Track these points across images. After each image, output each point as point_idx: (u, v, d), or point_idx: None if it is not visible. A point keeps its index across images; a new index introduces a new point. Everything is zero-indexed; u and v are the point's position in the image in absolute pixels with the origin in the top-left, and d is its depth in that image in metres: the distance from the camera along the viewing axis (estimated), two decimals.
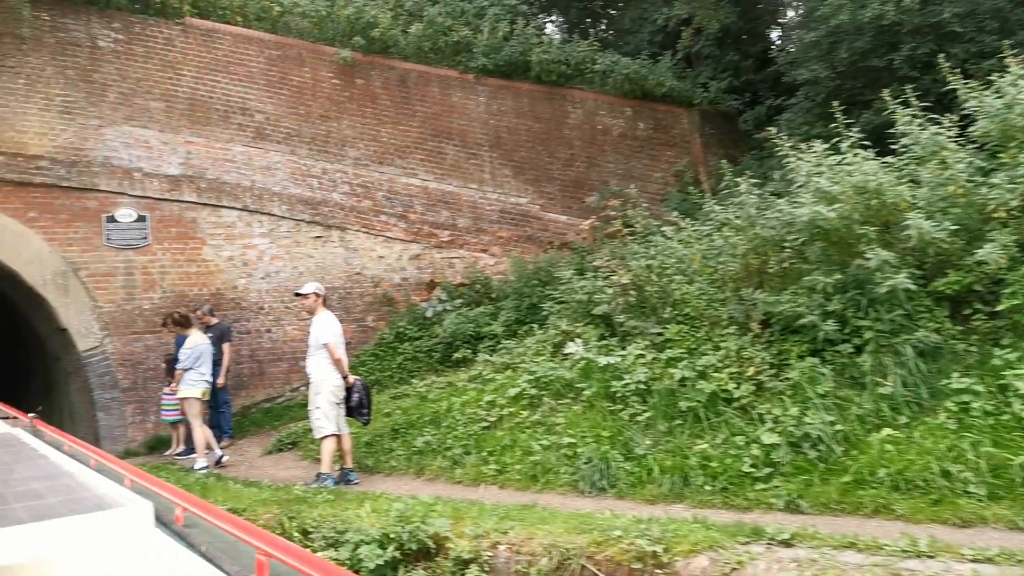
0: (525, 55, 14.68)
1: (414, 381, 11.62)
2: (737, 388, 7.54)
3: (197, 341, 10.13)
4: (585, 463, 7.64)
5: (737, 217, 8.36)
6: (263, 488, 8.59)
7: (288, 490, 8.28)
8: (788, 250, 8.00)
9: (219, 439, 10.82)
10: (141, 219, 12.64)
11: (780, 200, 7.81)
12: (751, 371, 7.62)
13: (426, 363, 12.58)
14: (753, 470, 6.84)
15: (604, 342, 9.17)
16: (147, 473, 2.42)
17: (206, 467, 9.96)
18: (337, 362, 8.66)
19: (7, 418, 4.50)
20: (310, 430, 11.04)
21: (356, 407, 8.81)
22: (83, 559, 1.48)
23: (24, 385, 16.84)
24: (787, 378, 7.39)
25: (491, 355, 10.74)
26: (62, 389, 14.22)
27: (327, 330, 8.66)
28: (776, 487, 6.63)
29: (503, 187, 14.81)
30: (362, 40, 13.94)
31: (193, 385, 9.98)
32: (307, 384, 13.55)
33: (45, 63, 12.38)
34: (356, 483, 8.76)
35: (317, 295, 8.90)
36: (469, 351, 11.95)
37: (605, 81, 15.16)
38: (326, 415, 8.53)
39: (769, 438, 6.96)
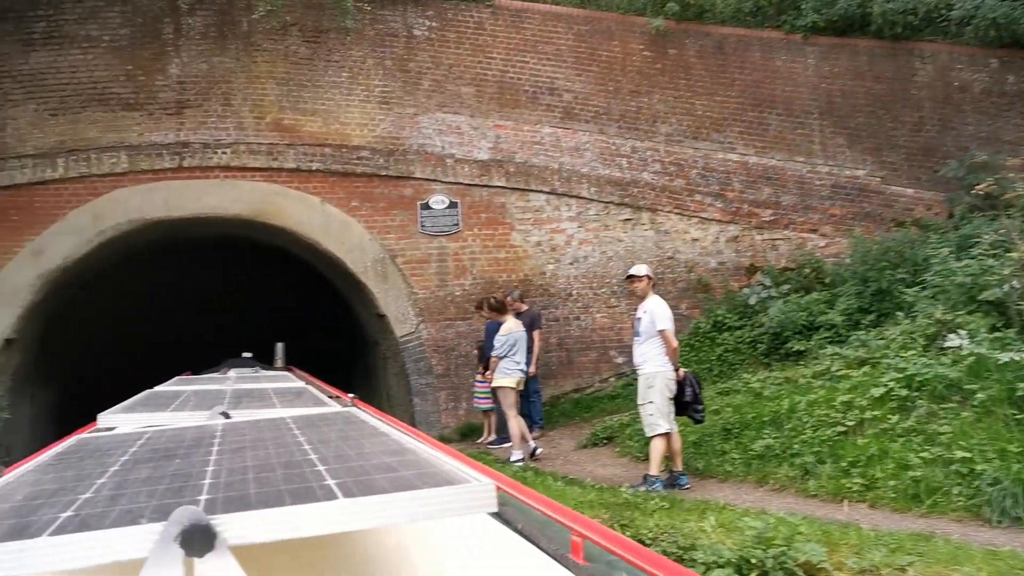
0: (864, 7, 12.75)
1: (744, 375, 10.34)
2: None
3: (512, 328, 9.66)
4: (990, 485, 6.05)
5: None
6: (586, 487, 7.87)
7: (615, 492, 7.46)
8: None
9: (529, 429, 10.33)
10: (453, 205, 12.59)
11: None
12: None
13: (749, 355, 11.27)
14: None
15: (998, 334, 7.39)
16: (464, 455, 2.44)
17: (521, 459, 9.48)
18: (673, 352, 7.71)
19: (331, 398, 4.57)
20: (626, 424, 10.29)
21: (690, 403, 7.80)
22: (440, 528, 1.69)
23: (348, 367, 17.80)
24: None
25: (839, 348, 9.21)
26: (380, 373, 14.68)
27: (664, 315, 7.72)
28: None
29: (836, 158, 13.03)
30: (676, 6, 12.86)
31: (508, 374, 9.53)
32: (617, 375, 12.92)
33: (366, 55, 12.69)
34: (687, 488, 7.77)
35: (650, 278, 8.02)
36: (802, 343, 10.50)
37: (963, 30, 12.82)
38: (660, 410, 7.60)
39: None
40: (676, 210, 12.83)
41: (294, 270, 15.82)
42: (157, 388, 4.65)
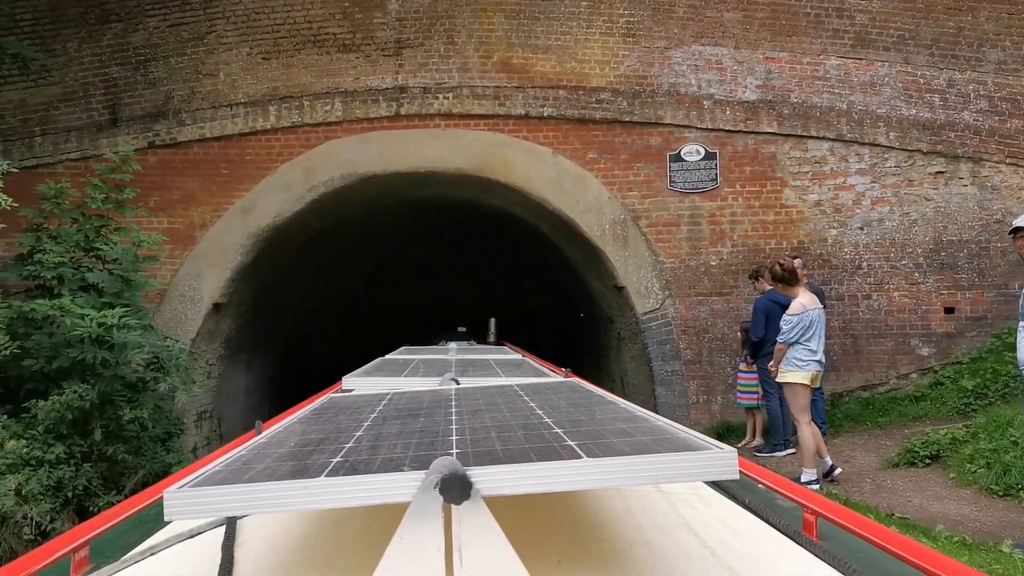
0: None
1: None
2: None
3: (806, 304, 7.32)
4: None
5: None
6: (938, 538, 5.46)
7: (994, 552, 5.03)
8: None
9: None
10: (710, 157, 10.39)
11: None
12: None
13: None
14: None
15: None
16: None
17: (815, 480, 7.17)
18: None
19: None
20: (961, 440, 7.66)
21: None
22: (667, 499, 1.73)
23: (573, 346, 15.96)
24: None
25: None
26: (613, 355, 12.76)
27: None
28: None
29: None
30: None
31: (799, 366, 7.22)
32: (921, 371, 10.16)
33: None
34: None
35: None
36: None
37: None
38: None
39: None
40: (1009, 159, 9.85)
41: (510, 234, 14.16)
42: (388, 356, 4.86)
